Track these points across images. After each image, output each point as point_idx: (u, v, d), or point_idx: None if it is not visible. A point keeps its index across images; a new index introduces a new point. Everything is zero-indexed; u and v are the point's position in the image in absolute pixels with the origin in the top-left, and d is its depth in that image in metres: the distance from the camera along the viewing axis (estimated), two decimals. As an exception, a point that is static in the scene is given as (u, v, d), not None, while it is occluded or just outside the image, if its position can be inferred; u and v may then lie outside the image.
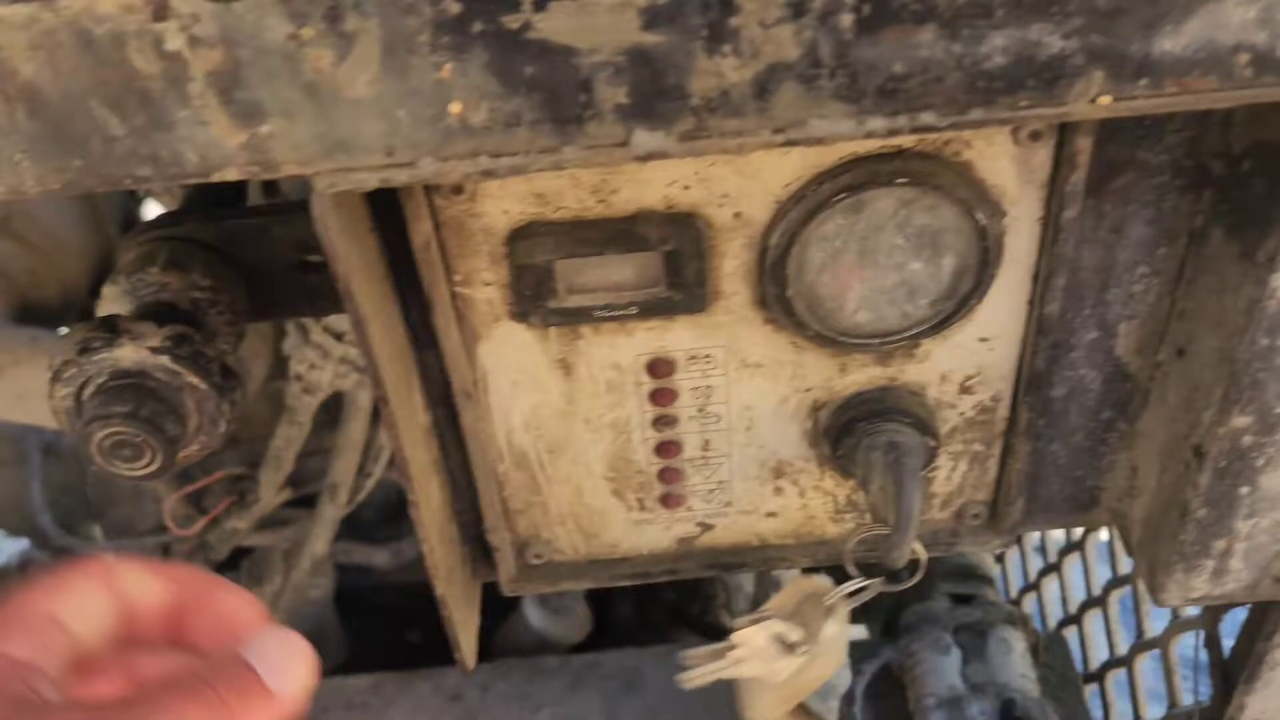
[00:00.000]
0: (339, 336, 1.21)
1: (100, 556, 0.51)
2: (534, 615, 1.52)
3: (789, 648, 0.66)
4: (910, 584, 0.66)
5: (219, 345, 0.67)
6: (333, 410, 1.33)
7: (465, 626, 0.68)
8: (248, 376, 1.12)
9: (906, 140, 0.54)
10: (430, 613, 1.95)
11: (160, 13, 0.40)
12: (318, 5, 0.41)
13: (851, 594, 0.66)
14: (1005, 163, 0.56)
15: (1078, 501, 0.74)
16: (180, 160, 0.44)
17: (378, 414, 1.32)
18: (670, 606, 1.61)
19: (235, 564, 1.45)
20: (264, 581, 1.43)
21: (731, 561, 0.73)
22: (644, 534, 0.72)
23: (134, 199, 1.37)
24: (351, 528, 1.49)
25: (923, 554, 0.65)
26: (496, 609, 1.68)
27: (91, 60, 0.41)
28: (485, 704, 1.40)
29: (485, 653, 1.67)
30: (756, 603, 1.54)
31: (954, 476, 0.71)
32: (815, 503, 0.71)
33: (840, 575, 0.69)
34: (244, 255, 0.69)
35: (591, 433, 0.66)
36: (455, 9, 0.41)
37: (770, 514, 0.72)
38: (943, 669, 1.08)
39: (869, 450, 0.64)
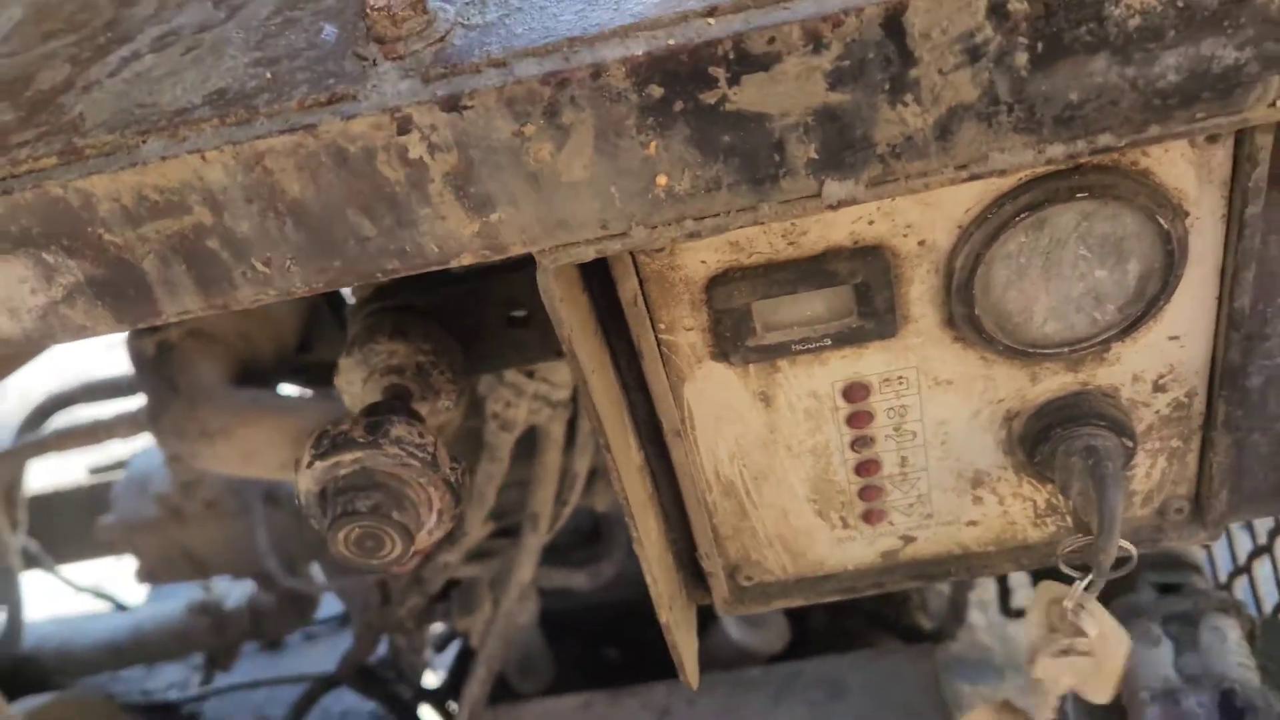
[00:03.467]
0: (530, 374, 1.27)
1: None
2: (733, 629, 1.56)
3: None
4: (1123, 573, 0.67)
5: (443, 402, 0.73)
6: (526, 444, 1.40)
7: (687, 649, 0.72)
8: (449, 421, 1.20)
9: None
10: (626, 631, 1.99)
11: (404, 127, 0.46)
12: (537, 104, 0.46)
13: (1086, 589, 0.68)
14: (1184, 166, 0.57)
15: (1285, 488, 0.73)
16: (423, 252, 0.50)
17: (571, 443, 1.39)
18: (867, 612, 1.63)
19: (446, 595, 1.54)
20: (474, 610, 1.51)
21: (936, 572, 0.76)
22: (849, 550, 0.75)
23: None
24: (549, 554, 1.55)
25: (1133, 551, 0.66)
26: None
27: (347, 174, 0.47)
28: (693, 718, 1.45)
29: (686, 667, 1.71)
30: (954, 603, 1.54)
31: (1153, 473, 0.71)
32: (1015, 509, 0.73)
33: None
34: (458, 317, 0.75)
35: (793, 458, 0.69)
36: (658, 92, 0.46)
37: (971, 523, 0.74)
38: (1154, 662, 1.07)
39: (1067, 456, 0.66)
